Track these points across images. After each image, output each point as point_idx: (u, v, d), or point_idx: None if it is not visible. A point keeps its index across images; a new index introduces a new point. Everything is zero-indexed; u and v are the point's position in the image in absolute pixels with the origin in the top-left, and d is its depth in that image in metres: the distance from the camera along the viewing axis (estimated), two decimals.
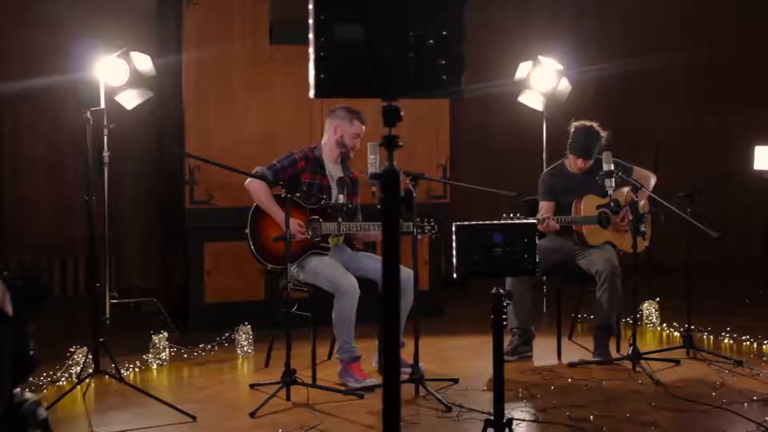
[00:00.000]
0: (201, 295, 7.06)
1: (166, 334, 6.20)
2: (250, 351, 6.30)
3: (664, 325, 7.04)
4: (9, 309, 1.63)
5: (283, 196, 5.23)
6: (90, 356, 5.25)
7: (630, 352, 5.77)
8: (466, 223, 2.98)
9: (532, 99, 7.96)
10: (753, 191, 8.09)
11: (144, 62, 6.71)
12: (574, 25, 9.92)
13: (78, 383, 5.17)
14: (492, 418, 3.28)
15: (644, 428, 4.58)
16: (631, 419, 4.72)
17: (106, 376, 5.26)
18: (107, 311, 6.91)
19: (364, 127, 5.80)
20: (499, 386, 3.12)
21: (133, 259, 8.55)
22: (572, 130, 6.23)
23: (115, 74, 6.61)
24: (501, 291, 3.02)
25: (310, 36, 1.99)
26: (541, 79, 7.89)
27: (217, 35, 7.06)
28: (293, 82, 7.17)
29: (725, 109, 10.56)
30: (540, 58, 7.84)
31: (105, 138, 6.82)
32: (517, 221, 2.89)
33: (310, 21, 1.98)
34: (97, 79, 5.50)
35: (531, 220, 2.92)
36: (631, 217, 5.93)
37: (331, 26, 1.96)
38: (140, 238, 8.59)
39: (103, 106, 5.50)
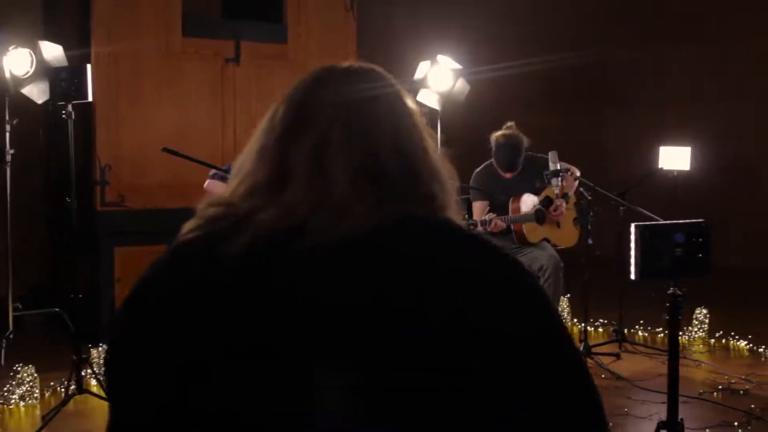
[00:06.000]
0: (111, 304, 6.58)
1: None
2: None
3: (575, 320, 7.24)
4: None
5: None
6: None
7: (581, 347, 5.91)
8: (647, 223, 2.93)
9: (429, 98, 7.96)
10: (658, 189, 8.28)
11: (54, 52, 6.15)
12: (477, 25, 10.01)
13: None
14: (664, 419, 3.27)
15: (648, 422, 4.69)
16: (628, 414, 4.83)
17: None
18: (10, 324, 6.29)
19: None
20: (673, 389, 3.11)
21: (36, 265, 7.79)
22: (493, 143, 6.29)
23: (21, 65, 6.04)
24: (678, 291, 3.00)
25: None
26: (439, 79, 7.90)
27: (128, 27, 6.61)
28: (207, 76, 6.85)
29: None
30: (438, 57, 7.86)
31: (7, 135, 6.22)
32: (690, 221, 2.86)
33: None
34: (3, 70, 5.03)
35: (699, 220, 2.89)
36: (563, 209, 6.10)
37: None
38: (44, 243, 7.82)
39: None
